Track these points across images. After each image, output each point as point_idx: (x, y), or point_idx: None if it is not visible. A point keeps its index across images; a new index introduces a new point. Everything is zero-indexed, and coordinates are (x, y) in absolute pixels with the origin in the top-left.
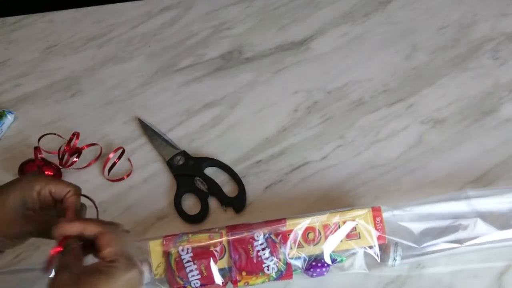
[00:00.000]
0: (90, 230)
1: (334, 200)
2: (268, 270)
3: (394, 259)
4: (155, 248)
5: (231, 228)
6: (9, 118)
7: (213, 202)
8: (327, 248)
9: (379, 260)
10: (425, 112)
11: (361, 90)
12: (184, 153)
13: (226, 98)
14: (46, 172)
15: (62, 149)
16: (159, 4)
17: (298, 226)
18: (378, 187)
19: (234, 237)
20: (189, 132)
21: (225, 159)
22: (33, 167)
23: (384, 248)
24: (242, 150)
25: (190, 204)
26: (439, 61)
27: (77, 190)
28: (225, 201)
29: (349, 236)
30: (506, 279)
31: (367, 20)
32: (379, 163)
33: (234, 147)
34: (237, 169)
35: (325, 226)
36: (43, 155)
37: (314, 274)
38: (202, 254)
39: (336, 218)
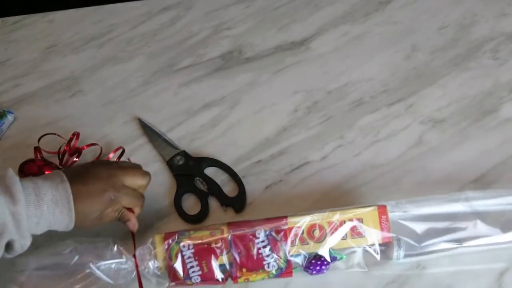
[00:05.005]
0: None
1: (334, 200)
2: (268, 267)
3: (398, 253)
4: (160, 242)
5: (232, 225)
6: (9, 118)
7: (213, 202)
8: (327, 245)
9: (379, 258)
10: (425, 112)
11: (361, 90)
12: (184, 153)
13: (226, 98)
14: (46, 172)
15: (62, 149)
16: (159, 4)
17: (299, 224)
18: (378, 187)
19: (235, 234)
20: (189, 132)
21: (225, 159)
22: (33, 167)
23: (387, 244)
24: (242, 150)
25: (190, 204)
26: (439, 61)
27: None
28: (225, 201)
29: (352, 234)
30: (506, 280)
31: (367, 20)
32: (379, 163)
33: (234, 147)
34: (237, 169)
35: (330, 223)
36: (43, 155)
37: (314, 272)
38: (203, 250)
39: (342, 215)
